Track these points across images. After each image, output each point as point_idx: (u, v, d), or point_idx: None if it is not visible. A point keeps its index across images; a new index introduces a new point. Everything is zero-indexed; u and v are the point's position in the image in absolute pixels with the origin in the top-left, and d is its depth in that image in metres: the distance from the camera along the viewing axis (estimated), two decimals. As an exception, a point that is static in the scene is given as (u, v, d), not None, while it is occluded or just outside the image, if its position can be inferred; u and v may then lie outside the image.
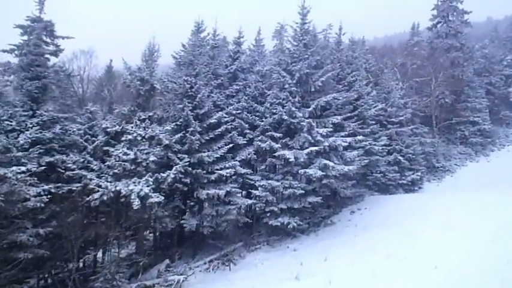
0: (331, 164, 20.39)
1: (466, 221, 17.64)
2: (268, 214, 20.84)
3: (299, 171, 20.20)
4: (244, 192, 21.52)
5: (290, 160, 20.11)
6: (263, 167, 21.21)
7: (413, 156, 30.68)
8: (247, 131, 21.32)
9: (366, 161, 22.85)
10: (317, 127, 21.77)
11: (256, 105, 21.95)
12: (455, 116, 39.49)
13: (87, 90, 34.20)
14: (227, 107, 21.39)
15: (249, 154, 20.62)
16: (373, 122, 26.23)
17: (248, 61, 24.56)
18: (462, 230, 16.61)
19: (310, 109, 21.33)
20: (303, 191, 20.36)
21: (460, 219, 18.04)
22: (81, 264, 17.96)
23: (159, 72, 27.17)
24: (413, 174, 30.19)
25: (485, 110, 40.94)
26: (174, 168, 17.61)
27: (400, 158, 29.52)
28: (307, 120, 20.31)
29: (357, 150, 23.18)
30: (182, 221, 20.04)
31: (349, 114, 24.55)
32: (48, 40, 24.16)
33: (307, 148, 20.48)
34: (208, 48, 22.19)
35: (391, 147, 29.81)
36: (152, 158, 17.56)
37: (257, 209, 21.59)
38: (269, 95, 21.73)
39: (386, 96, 31.58)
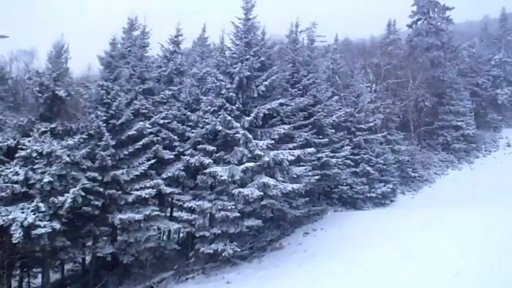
0: (271, 182, 17.55)
1: (429, 248, 15.07)
2: (200, 240, 18.08)
3: (234, 191, 17.39)
4: (175, 214, 18.70)
5: (223, 178, 17.28)
6: (196, 184, 18.37)
7: (385, 167, 27.79)
8: (177, 144, 18.47)
9: (316, 177, 19.93)
10: (261, 138, 18.96)
11: (189, 113, 19.08)
12: (437, 120, 36.69)
13: (26, 95, 31.12)
14: (156, 116, 18.54)
15: (176, 171, 17.77)
16: (333, 131, 23.32)
17: (187, 63, 21.67)
18: (423, 260, 14.10)
19: (250, 118, 18.47)
20: (239, 214, 17.54)
21: (424, 245, 15.46)
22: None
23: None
24: (384, 186, 27.33)
25: (470, 114, 38.08)
26: (71, 190, 14.77)
27: (368, 168, 26.65)
28: (242, 131, 17.44)
29: (310, 163, 20.34)
30: (96, 250, 17.25)
31: (303, 122, 21.70)
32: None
33: (244, 164, 17.67)
34: (136, 48, 19.32)
35: (359, 156, 26.96)
36: (47, 178, 14.74)
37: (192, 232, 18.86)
38: (204, 101, 18.88)
39: (355, 100, 28.72)
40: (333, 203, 25.99)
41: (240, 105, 19.20)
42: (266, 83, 19.16)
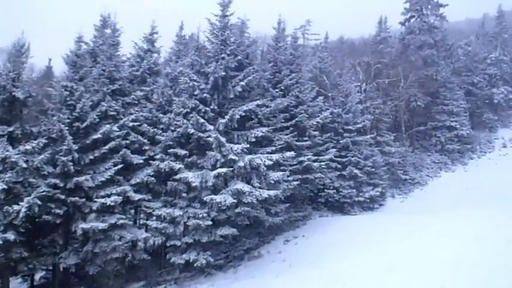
0: (246, 188, 16.55)
1: (414, 259, 14.09)
2: (171, 249, 17.12)
3: (206, 198, 16.40)
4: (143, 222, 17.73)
5: (194, 184, 16.31)
6: (167, 191, 17.39)
7: (373, 169, 26.75)
8: (147, 148, 17.46)
9: (296, 182, 18.93)
10: (237, 141, 17.97)
11: (161, 115, 18.07)
12: (430, 120, 35.60)
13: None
14: (125, 118, 17.51)
15: (145, 176, 16.77)
16: (317, 133, 22.29)
17: (163, 62, 20.63)
18: (406, 273, 13.10)
19: (225, 120, 17.47)
20: (211, 222, 16.56)
21: (409, 256, 14.50)
22: None
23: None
24: (372, 190, 26.28)
25: (464, 113, 36.96)
26: (26, 199, 13.79)
27: (356, 171, 25.61)
28: (215, 135, 16.44)
29: (290, 167, 19.36)
30: (60, 261, 16.26)
31: (284, 124, 20.68)
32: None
33: (217, 169, 16.68)
34: (106, 47, 18.28)
35: (346, 159, 25.93)
36: (1, 186, 13.76)
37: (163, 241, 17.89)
38: (176, 103, 17.86)
39: (343, 100, 27.69)
40: (318, 208, 25.01)
41: (216, 107, 18.21)
42: (243, 83, 18.16)
